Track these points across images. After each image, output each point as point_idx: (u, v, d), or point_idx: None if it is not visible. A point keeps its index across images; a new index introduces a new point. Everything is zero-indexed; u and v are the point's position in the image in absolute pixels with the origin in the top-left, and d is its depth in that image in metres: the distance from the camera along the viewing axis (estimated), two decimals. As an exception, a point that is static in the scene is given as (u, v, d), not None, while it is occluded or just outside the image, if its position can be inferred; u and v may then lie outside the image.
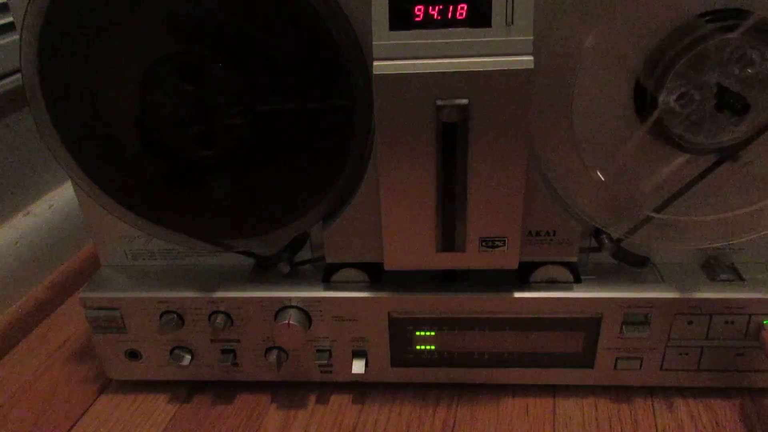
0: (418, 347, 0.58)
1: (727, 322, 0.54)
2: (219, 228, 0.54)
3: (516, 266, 0.52)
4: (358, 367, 0.58)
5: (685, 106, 0.46)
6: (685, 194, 0.50)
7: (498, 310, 0.56)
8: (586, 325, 0.56)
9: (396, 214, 0.49)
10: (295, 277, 0.58)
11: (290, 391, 0.62)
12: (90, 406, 0.62)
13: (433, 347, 0.58)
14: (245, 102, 0.47)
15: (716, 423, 0.56)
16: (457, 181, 0.47)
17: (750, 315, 0.54)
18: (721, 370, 0.57)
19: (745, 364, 0.56)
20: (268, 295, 0.56)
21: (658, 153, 0.49)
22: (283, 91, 0.47)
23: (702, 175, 0.49)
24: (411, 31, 0.43)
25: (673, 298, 0.54)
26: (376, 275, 0.56)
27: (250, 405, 0.61)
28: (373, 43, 0.43)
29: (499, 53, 0.43)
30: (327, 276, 0.57)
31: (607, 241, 0.53)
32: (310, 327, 0.57)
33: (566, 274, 0.55)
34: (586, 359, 0.58)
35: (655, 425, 0.56)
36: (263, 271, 0.59)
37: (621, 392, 0.60)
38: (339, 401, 0.61)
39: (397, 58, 0.43)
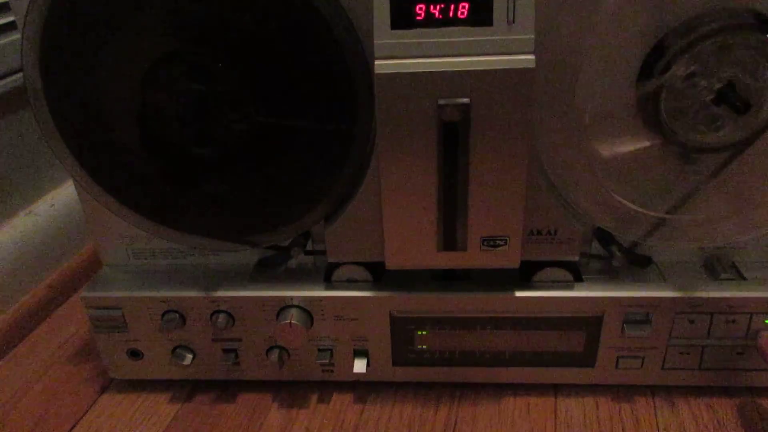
0: (419, 346, 0.58)
1: (728, 321, 0.54)
2: (219, 227, 0.54)
3: (517, 265, 0.52)
4: (359, 366, 0.58)
5: (687, 106, 0.46)
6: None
7: (499, 310, 0.56)
8: (588, 324, 0.56)
9: (397, 213, 0.49)
10: (296, 276, 0.58)
11: (292, 391, 0.62)
12: (91, 405, 0.62)
13: (434, 346, 0.58)
14: (246, 101, 0.47)
15: (717, 422, 0.56)
16: (458, 180, 0.47)
17: (751, 314, 0.54)
18: (722, 369, 0.57)
19: (746, 363, 0.56)
20: (269, 294, 0.56)
21: (664, 154, 0.49)
22: (284, 90, 0.47)
23: (713, 174, 0.49)
24: (412, 30, 0.43)
25: (675, 297, 0.54)
26: (377, 274, 0.56)
27: (251, 404, 0.61)
28: (375, 42, 0.43)
29: (501, 52, 0.43)
30: (328, 275, 0.57)
31: (618, 252, 0.53)
32: (311, 326, 0.57)
33: (568, 277, 0.55)
34: (587, 358, 0.58)
35: (657, 424, 0.56)
36: (265, 270, 0.59)
37: (622, 391, 0.60)
38: (340, 400, 0.61)
39: (398, 57, 0.43)
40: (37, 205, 0.80)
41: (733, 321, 0.54)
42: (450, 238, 0.50)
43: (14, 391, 0.65)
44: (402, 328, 0.57)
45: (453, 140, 0.45)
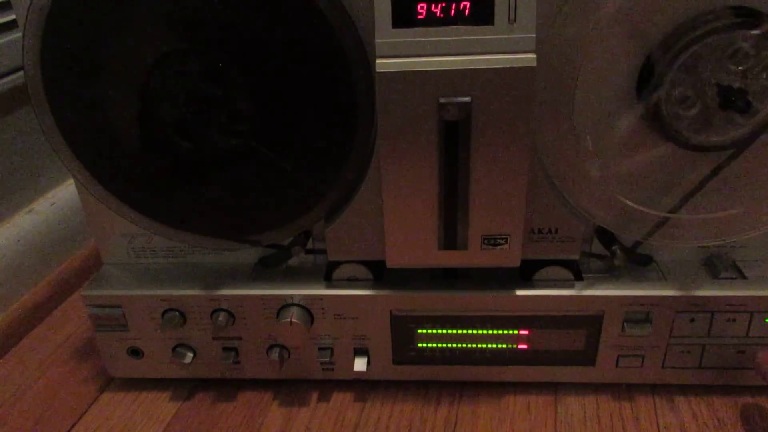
0: (419, 345, 0.58)
1: (728, 320, 0.54)
2: (220, 226, 0.54)
3: (518, 264, 0.52)
4: (359, 364, 0.58)
5: (688, 106, 0.46)
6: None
7: (500, 308, 0.56)
8: (588, 322, 0.56)
9: (398, 212, 0.49)
10: (297, 274, 0.58)
11: (292, 389, 0.62)
12: (92, 404, 0.62)
13: (434, 345, 0.58)
14: (246, 100, 0.47)
15: (718, 420, 0.56)
16: (459, 179, 0.47)
17: (752, 313, 0.54)
18: (722, 368, 0.57)
19: (746, 361, 0.56)
20: (269, 292, 0.56)
21: (666, 154, 0.49)
22: (284, 88, 0.47)
23: (715, 172, 0.49)
24: (413, 29, 0.43)
25: (675, 296, 0.54)
26: (378, 273, 0.56)
27: (251, 403, 0.61)
28: (376, 40, 0.43)
29: (502, 51, 0.43)
30: (329, 274, 0.57)
31: (619, 252, 0.53)
32: (312, 325, 0.57)
33: (569, 275, 0.55)
34: (587, 357, 0.58)
35: (657, 423, 0.56)
36: (265, 269, 0.59)
37: (622, 390, 0.60)
38: (341, 399, 0.61)
39: (399, 55, 0.43)
40: (37, 203, 0.80)
41: (734, 320, 0.54)
42: (450, 236, 0.50)
43: (14, 389, 0.65)
44: (402, 327, 0.57)
45: (454, 139, 0.45)
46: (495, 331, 0.57)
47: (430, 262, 0.52)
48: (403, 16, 0.42)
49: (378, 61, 0.43)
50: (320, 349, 0.59)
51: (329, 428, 0.58)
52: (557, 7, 0.44)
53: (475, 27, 0.42)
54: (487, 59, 0.43)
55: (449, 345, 0.58)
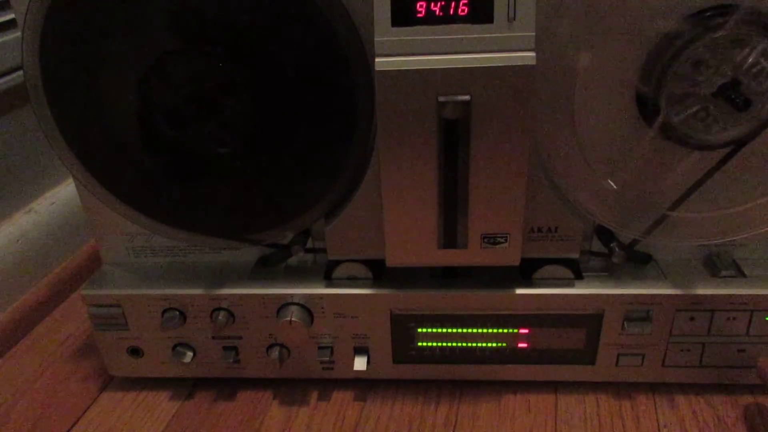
0: (419, 344, 0.58)
1: (728, 319, 0.54)
2: (220, 225, 0.54)
3: (518, 263, 0.52)
4: (359, 363, 0.58)
5: (688, 104, 0.46)
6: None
7: (500, 307, 0.56)
8: (588, 321, 0.56)
9: (398, 211, 0.49)
10: (296, 273, 0.58)
11: (292, 388, 0.62)
12: (92, 403, 0.62)
13: (434, 344, 0.58)
14: (246, 99, 0.47)
15: (718, 419, 0.56)
16: (458, 178, 0.47)
17: (752, 311, 0.54)
18: (722, 367, 0.57)
19: (746, 360, 0.56)
20: (269, 291, 0.56)
21: (666, 152, 0.49)
22: (285, 87, 0.47)
23: (715, 168, 0.49)
24: (413, 27, 0.43)
25: (675, 295, 0.54)
26: (377, 272, 0.56)
27: (252, 402, 0.61)
28: (375, 39, 0.43)
29: (501, 49, 0.43)
30: (329, 273, 0.57)
31: (617, 249, 0.53)
32: (311, 324, 0.57)
33: (568, 274, 0.55)
34: (587, 356, 0.58)
35: (657, 422, 0.56)
36: (265, 268, 0.59)
37: (623, 388, 0.60)
38: (341, 398, 0.61)
39: (398, 54, 0.43)
40: (37, 202, 0.80)
41: (734, 318, 0.54)
42: (450, 235, 0.50)
43: (15, 389, 0.65)
44: (402, 326, 0.57)
45: (453, 137, 0.45)
46: (495, 330, 0.57)
47: (430, 260, 0.52)
48: (403, 14, 0.42)
49: (377, 59, 0.43)
50: (320, 348, 0.59)
51: (329, 427, 0.58)
52: (556, 6, 0.44)
53: (474, 25, 0.42)
54: (487, 58, 0.43)
55: (449, 344, 0.58)
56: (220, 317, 0.57)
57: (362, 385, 0.62)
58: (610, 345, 0.57)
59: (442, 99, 0.44)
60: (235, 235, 0.55)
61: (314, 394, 0.61)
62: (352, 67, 0.46)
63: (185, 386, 0.63)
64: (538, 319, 0.56)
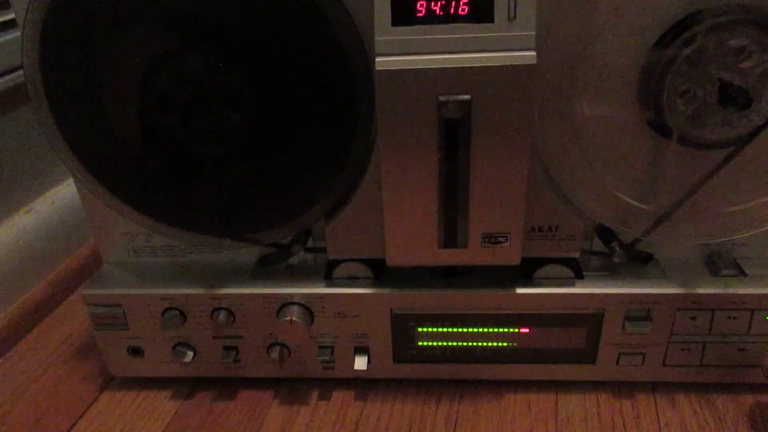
0: (420, 343, 0.58)
1: (729, 318, 0.54)
2: (220, 224, 0.54)
3: (518, 262, 0.52)
4: (360, 363, 0.58)
5: (688, 103, 0.46)
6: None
7: (500, 306, 0.56)
8: (589, 320, 0.56)
9: (398, 210, 0.49)
10: (297, 273, 0.58)
11: (292, 388, 0.62)
12: (92, 403, 0.62)
13: (435, 343, 0.58)
14: (246, 98, 0.47)
15: (718, 418, 0.56)
16: (459, 177, 0.47)
17: (752, 310, 0.54)
18: (723, 366, 0.57)
19: (747, 359, 0.56)
20: (270, 291, 0.56)
21: (667, 152, 0.49)
22: (284, 87, 0.47)
23: (717, 168, 0.49)
24: (413, 27, 0.42)
25: (676, 294, 0.54)
26: (378, 271, 0.56)
27: (252, 401, 0.61)
28: (375, 38, 0.43)
29: (502, 49, 0.43)
30: (329, 272, 0.57)
31: (618, 248, 0.53)
32: (312, 323, 0.57)
33: (569, 273, 0.55)
34: (588, 355, 0.58)
35: (657, 421, 0.56)
36: (266, 267, 0.59)
37: (623, 388, 0.60)
38: (341, 397, 0.61)
39: (399, 53, 0.43)
40: (37, 202, 0.80)
41: (734, 317, 0.54)
42: (451, 235, 0.50)
43: (15, 388, 0.65)
44: (403, 325, 0.57)
45: (454, 137, 0.45)
46: (495, 330, 0.57)
47: (431, 260, 0.52)
48: (403, 13, 0.42)
49: (377, 59, 0.43)
50: (320, 347, 0.59)
51: (329, 427, 0.58)
52: (557, 4, 0.44)
53: (474, 25, 0.42)
54: (487, 57, 0.43)
55: (450, 343, 0.58)
56: (220, 317, 0.57)
57: (363, 385, 0.62)
58: (610, 344, 0.57)
59: (442, 98, 0.44)
60: (235, 235, 0.55)
61: (315, 394, 0.61)
62: (352, 66, 0.46)
63: (185, 386, 0.63)
64: (539, 318, 0.56)
